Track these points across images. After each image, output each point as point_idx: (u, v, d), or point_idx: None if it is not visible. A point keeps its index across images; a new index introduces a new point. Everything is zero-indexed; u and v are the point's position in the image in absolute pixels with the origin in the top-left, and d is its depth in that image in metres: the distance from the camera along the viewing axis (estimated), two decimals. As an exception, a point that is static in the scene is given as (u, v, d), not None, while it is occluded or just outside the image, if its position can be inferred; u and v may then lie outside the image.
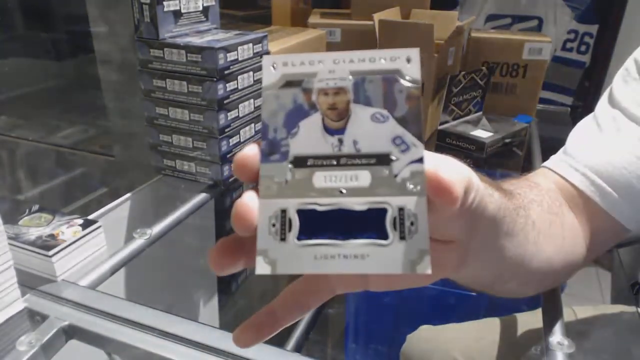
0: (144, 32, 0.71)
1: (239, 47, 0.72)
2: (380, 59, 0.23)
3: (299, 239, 0.21)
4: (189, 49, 0.69)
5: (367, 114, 0.23)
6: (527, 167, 0.96)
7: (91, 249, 0.57)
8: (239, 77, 0.74)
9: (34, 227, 0.56)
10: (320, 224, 0.22)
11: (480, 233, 0.28)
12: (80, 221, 0.58)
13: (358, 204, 0.22)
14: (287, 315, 0.28)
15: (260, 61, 0.78)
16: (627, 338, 0.53)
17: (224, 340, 0.45)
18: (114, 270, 0.57)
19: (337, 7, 1.40)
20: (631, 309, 0.59)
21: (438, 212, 0.22)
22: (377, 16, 0.96)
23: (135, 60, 0.74)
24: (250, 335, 0.27)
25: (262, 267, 0.21)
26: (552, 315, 0.49)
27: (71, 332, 0.48)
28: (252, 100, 0.78)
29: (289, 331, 0.27)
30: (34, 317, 0.48)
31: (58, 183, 1.26)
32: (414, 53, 0.23)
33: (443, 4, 1.81)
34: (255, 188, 0.22)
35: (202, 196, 0.74)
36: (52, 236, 0.54)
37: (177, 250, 0.77)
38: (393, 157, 0.22)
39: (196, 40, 0.71)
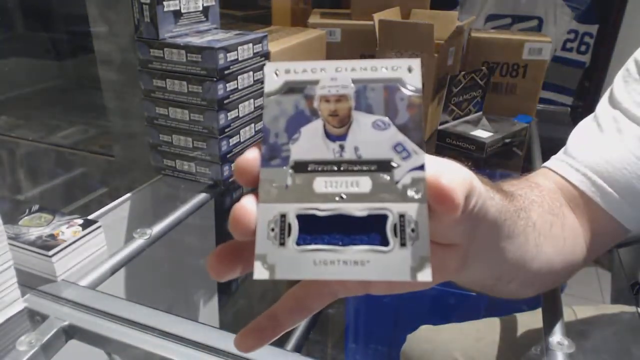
0: (144, 32, 0.71)
1: (239, 47, 0.72)
2: (382, 68, 0.23)
3: (298, 244, 0.21)
4: (189, 49, 0.69)
5: (369, 121, 0.23)
6: (527, 167, 0.96)
7: (91, 249, 0.57)
8: (239, 77, 0.74)
9: (34, 227, 0.56)
10: (320, 229, 0.22)
11: (481, 236, 0.28)
12: (80, 221, 0.58)
13: (358, 209, 0.22)
14: (288, 319, 0.28)
15: (261, 61, 0.78)
16: (627, 338, 0.53)
17: (224, 340, 0.45)
18: (114, 270, 0.57)
19: (337, 7, 1.40)
20: (631, 309, 0.59)
21: (439, 217, 0.22)
22: (377, 16, 0.96)
23: (135, 60, 0.74)
24: (251, 340, 0.27)
25: (260, 272, 0.21)
26: (552, 315, 0.49)
27: (71, 332, 0.48)
28: (252, 100, 0.78)
29: (289, 331, 0.27)
30: (34, 317, 0.48)
31: (58, 183, 1.26)
32: (415, 63, 0.23)
33: (443, 4, 1.82)
34: (255, 192, 0.22)
35: (202, 196, 0.74)
36: (52, 236, 0.54)
37: (177, 250, 0.77)
38: (394, 164, 0.22)
39: (196, 40, 0.71)
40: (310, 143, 0.23)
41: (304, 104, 0.23)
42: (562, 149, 0.49)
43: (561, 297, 0.52)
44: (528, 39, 1.08)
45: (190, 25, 0.76)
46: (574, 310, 0.60)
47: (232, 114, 0.74)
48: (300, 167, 0.22)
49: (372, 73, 0.23)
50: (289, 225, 0.21)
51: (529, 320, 0.61)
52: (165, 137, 0.77)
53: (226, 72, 0.71)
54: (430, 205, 0.21)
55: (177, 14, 0.73)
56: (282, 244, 0.21)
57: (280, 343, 0.43)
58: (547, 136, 1.06)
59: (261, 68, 0.79)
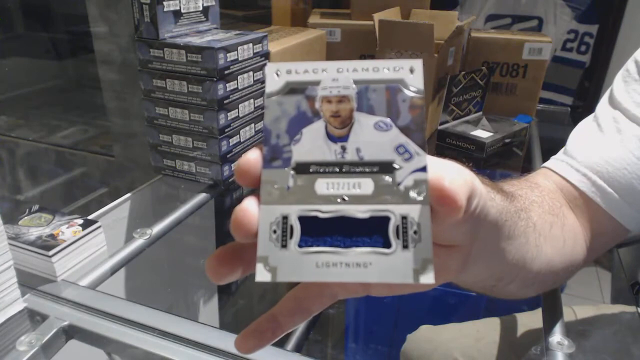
0: (144, 32, 0.71)
1: (239, 47, 0.72)
2: (384, 69, 0.23)
3: (300, 246, 0.21)
4: (189, 49, 0.69)
5: (371, 122, 0.23)
6: (527, 167, 0.96)
7: (91, 249, 0.57)
8: (239, 77, 0.74)
9: (34, 227, 0.56)
10: (322, 231, 0.21)
11: (482, 237, 0.28)
12: (80, 221, 0.58)
13: (360, 211, 0.21)
14: (288, 321, 0.28)
15: (261, 61, 0.78)
16: (627, 338, 0.53)
17: (224, 340, 0.45)
18: (114, 270, 0.57)
19: (337, 7, 1.40)
20: (631, 309, 0.59)
21: (441, 219, 0.22)
22: (377, 16, 0.96)
23: (135, 60, 0.74)
24: (252, 342, 0.27)
25: (262, 275, 0.21)
26: (552, 315, 0.49)
27: (71, 332, 0.48)
28: (252, 100, 0.78)
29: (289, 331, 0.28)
30: (34, 317, 0.48)
31: (58, 183, 1.26)
32: (418, 64, 0.23)
33: (443, 4, 1.82)
34: (256, 194, 0.22)
35: (202, 196, 0.74)
36: (52, 236, 0.54)
37: (177, 250, 0.77)
38: (396, 166, 0.22)
39: (196, 40, 0.71)
40: (311, 144, 0.23)
41: (306, 104, 0.23)
42: (562, 149, 0.49)
43: (561, 297, 0.52)
44: (528, 39, 1.08)
45: (190, 25, 0.76)
46: (574, 310, 0.60)
47: (232, 114, 0.74)
48: (302, 168, 0.22)
49: (374, 74, 0.23)
50: (291, 227, 0.21)
51: (529, 320, 0.62)
52: (165, 137, 0.77)
53: (226, 72, 0.71)
54: (433, 206, 0.21)
55: (177, 14, 0.73)
56: (284, 246, 0.21)
57: (281, 343, 0.43)
58: (547, 136, 1.06)
59: (261, 68, 0.79)
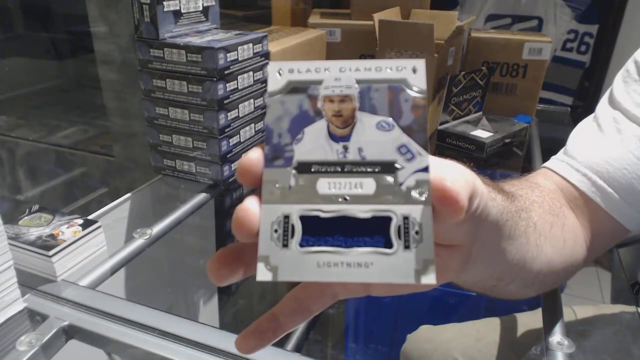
0: (144, 32, 0.71)
1: (239, 47, 0.72)
2: (387, 69, 0.23)
3: (301, 245, 0.21)
4: (189, 49, 0.69)
5: (373, 122, 0.23)
6: (527, 167, 0.96)
7: (91, 249, 0.57)
8: (239, 77, 0.74)
9: (34, 227, 0.56)
10: (324, 231, 0.21)
11: (483, 237, 0.28)
12: (80, 221, 0.58)
13: (362, 211, 0.21)
14: (289, 320, 0.28)
15: (261, 61, 0.78)
16: (627, 338, 0.53)
17: (224, 340, 0.45)
18: (114, 270, 0.57)
19: (337, 7, 1.40)
20: (631, 309, 0.59)
21: (442, 219, 0.22)
22: (377, 16, 0.96)
23: (135, 60, 0.74)
24: (252, 342, 0.27)
25: (263, 274, 0.21)
26: (552, 315, 0.49)
27: (71, 332, 0.48)
28: (252, 100, 0.78)
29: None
30: (34, 317, 0.48)
31: (58, 183, 1.26)
32: (420, 63, 0.23)
33: (443, 4, 1.82)
34: (257, 193, 0.22)
35: (202, 196, 0.74)
36: (52, 236, 0.54)
37: (177, 250, 0.77)
38: (398, 166, 0.22)
39: (196, 40, 0.71)
40: (313, 143, 0.23)
41: (308, 104, 0.23)
42: (562, 149, 0.49)
43: (561, 297, 0.52)
44: (528, 39, 1.08)
45: (190, 25, 0.76)
46: (574, 310, 0.60)
47: (232, 114, 0.74)
48: (304, 167, 0.22)
49: (376, 73, 0.23)
50: (292, 226, 0.21)
51: (529, 320, 0.62)
52: (165, 137, 0.77)
53: (226, 72, 0.71)
54: (435, 207, 0.21)
55: (177, 14, 0.73)
56: (285, 245, 0.21)
57: (281, 343, 0.43)
58: (547, 136, 1.06)
59: (261, 68, 0.79)
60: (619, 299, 0.84)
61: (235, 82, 0.73)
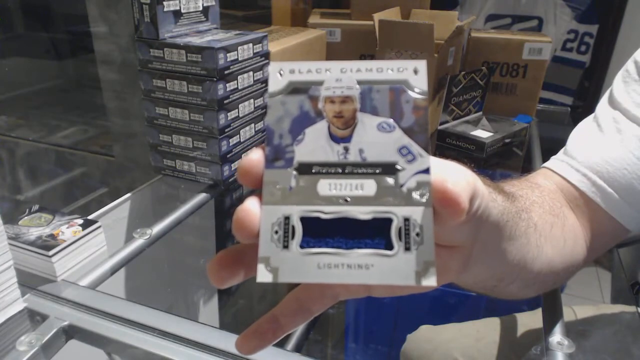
0: (144, 32, 0.71)
1: (239, 47, 0.72)
2: (388, 70, 0.23)
3: (302, 247, 0.21)
4: (189, 49, 0.69)
5: (374, 123, 0.23)
6: (527, 167, 0.96)
7: (91, 249, 0.57)
8: (239, 77, 0.74)
9: (34, 227, 0.56)
10: (324, 232, 0.21)
11: (483, 238, 0.28)
12: (80, 221, 0.58)
13: (363, 213, 0.21)
14: (289, 321, 0.28)
15: (261, 61, 0.78)
16: (627, 338, 0.53)
17: (224, 340, 0.45)
18: (114, 270, 0.57)
19: (337, 7, 1.40)
20: (631, 309, 0.59)
21: (443, 220, 0.22)
22: (377, 16, 0.96)
23: (135, 60, 0.74)
24: (253, 343, 0.26)
25: (263, 275, 0.21)
26: (552, 315, 0.49)
27: (71, 332, 0.48)
28: (252, 100, 0.78)
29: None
30: (34, 317, 0.48)
31: (58, 183, 1.26)
32: (421, 65, 0.23)
33: (443, 4, 1.82)
34: (258, 194, 0.22)
35: (202, 196, 0.74)
36: (52, 236, 0.54)
37: (177, 250, 0.77)
38: (399, 167, 0.22)
39: (196, 40, 0.71)
40: (314, 144, 0.22)
41: (309, 104, 0.23)
42: (562, 149, 0.49)
43: (561, 297, 0.52)
44: (528, 39, 1.08)
45: (190, 25, 0.76)
46: (574, 310, 0.60)
47: (232, 114, 0.74)
48: (305, 169, 0.22)
49: (377, 74, 0.23)
50: (293, 227, 0.21)
51: (529, 320, 0.62)
52: (165, 137, 0.77)
53: (226, 72, 0.71)
54: (436, 208, 0.21)
55: (177, 14, 0.73)
56: (286, 246, 0.21)
57: (281, 343, 0.43)
58: (547, 136, 1.06)
59: (261, 68, 0.79)
60: (619, 299, 0.84)
61: (235, 82, 0.73)
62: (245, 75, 0.75)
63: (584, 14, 1.85)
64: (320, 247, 0.21)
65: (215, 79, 0.69)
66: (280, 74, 0.23)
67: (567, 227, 0.42)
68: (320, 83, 0.23)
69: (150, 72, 0.73)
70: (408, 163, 0.22)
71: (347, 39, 1.10)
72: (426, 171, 0.22)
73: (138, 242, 0.61)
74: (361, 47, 1.08)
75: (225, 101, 0.72)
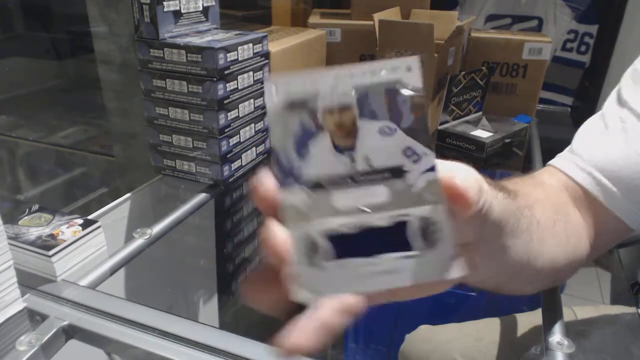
0: (144, 32, 0.71)
1: (239, 47, 0.72)
2: (381, 71, 0.23)
3: (329, 261, 0.22)
4: (189, 49, 0.69)
5: (375, 128, 0.23)
6: (527, 167, 0.96)
7: (91, 249, 0.57)
8: (239, 77, 0.74)
9: (34, 227, 0.56)
10: (349, 244, 0.22)
11: (486, 235, 0.29)
12: (80, 221, 0.58)
13: (381, 219, 0.22)
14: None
15: (261, 61, 0.78)
16: (627, 338, 0.53)
17: (224, 340, 0.45)
18: (114, 270, 0.57)
19: (337, 7, 1.40)
20: (631, 309, 0.59)
21: (454, 215, 0.22)
22: (377, 16, 0.96)
23: (135, 60, 0.74)
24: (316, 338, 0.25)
25: (298, 294, 0.21)
26: (552, 315, 0.49)
27: (71, 332, 0.48)
28: (252, 100, 0.78)
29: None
30: (34, 317, 0.48)
31: (58, 183, 1.26)
32: (414, 62, 0.23)
33: (443, 4, 1.82)
34: (273, 214, 0.22)
35: (202, 196, 0.74)
36: (52, 236, 0.54)
37: (177, 250, 0.77)
38: (406, 169, 0.22)
39: (196, 40, 0.71)
40: (321, 158, 0.23)
41: (308, 118, 0.23)
42: (568, 147, 0.49)
43: (561, 297, 0.52)
44: (528, 39, 1.08)
45: (190, 25, 0.76)
46: (574, 310, 0.59)
47: (232, 114, 0.74)
48: (317, 184, 0.22)
49: (371, 77, 0.23)
50: (317, 243, 0.22)
51: (529, 320, 0.61)
52: (165, 137, 0.77)
53: (226, 72, 0.71)
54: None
55: (177, 14, 0.73)
56: (315, 263, 0.21)
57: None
58: (547, 136, 1.06)
59: (261, 68, 0.79)
60: (619, 299, 0.84)
61: (235, 82, 0.73)
62: (245, 75, 0.75)
63: (584, 14, 1.85)
64: (346, 258, 0.22)
65: (215, 79, 0.69)
66: (276, 91, 0.23)
67: (571, 224, 0.42)
68: (317, 94, 0.23)
69: (150, 72, 0.73)
70: (414, 163, 0.22)
71: (347, 39, 1.10)
72: (432, 169, 0.22)
73: (138, 242, 0.61)
74: (361, 47, 1.08)
75: (225, 101, 0.72)
